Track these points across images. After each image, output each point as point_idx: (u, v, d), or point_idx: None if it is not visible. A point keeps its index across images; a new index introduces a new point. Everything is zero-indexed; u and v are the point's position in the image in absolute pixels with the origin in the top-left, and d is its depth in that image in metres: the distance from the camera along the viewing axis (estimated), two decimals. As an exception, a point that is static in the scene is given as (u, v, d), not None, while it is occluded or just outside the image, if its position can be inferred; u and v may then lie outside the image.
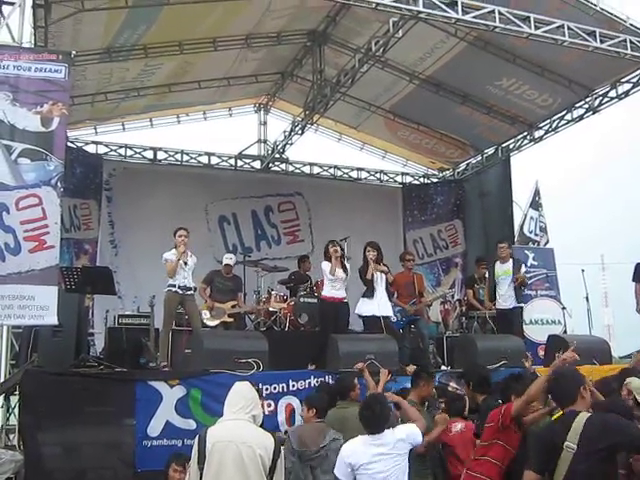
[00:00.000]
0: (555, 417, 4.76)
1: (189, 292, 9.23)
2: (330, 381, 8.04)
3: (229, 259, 11.21)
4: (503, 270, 10.87)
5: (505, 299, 10.75)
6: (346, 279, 9.91)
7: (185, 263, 9.16)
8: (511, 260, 10.96)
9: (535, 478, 4.20)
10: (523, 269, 10.85)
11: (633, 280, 10.99)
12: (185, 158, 15.80)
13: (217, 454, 4.12)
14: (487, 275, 11.40)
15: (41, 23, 8.65)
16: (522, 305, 10.88)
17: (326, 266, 9.84)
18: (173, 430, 7.39)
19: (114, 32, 10.78)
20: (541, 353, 10.55)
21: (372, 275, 9.70)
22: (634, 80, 11.94)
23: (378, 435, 5.28)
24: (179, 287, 9.10)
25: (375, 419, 5.34)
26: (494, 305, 10.98)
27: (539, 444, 4.38)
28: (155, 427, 7.37)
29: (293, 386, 7.93)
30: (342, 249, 10.13)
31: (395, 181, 17.61)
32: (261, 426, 4.46)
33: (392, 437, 5.33)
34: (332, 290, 9.79)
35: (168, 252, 9.23)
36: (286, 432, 6.58)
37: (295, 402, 7.85)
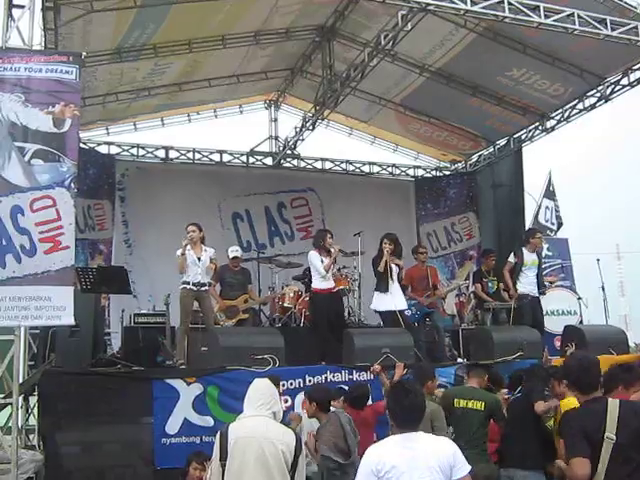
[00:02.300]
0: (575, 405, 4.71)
1: (204, 288, 9.15)
2: (346, 377, 8.05)
3: (235, 251, 11.18)
4: (532, 259, 10.80)
5: (527, 285, 10.69)
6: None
7: (199, 259, 9.07)
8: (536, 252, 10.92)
9: (587, 462, 3.95)
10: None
11: (649, 269, 10.95)
12: (197, 156, 15.83)
13: (239, 450, 4.16)
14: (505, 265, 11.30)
15: (51, 25, 8.66)
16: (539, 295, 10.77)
17: (316, 258, 9.71)
18: (191, 427, 7.45)
19: (123, 32, 10.81)
20: (557, 344, 10.52)
21: (386, 267, 9.66)
22: (646, 67, 11.84)
23: (409, 435, 4.07)
24: (193, 284, 9.02)
25: (406, 412, 4.16)
26: (515, 291, 10.84)
27: (579, 432, 4.11)
28: (173, 425, 7.43)
29: (310, 381, 7.96)
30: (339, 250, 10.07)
31: (407, 174, 17.56)
32: (281, 422, 4.49)
33: (432, 447, 4.07)
34: (323, 281, 9.73)
35: (179, 249, 9.19)
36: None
37: (312, 397, 7.86)
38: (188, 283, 9.04)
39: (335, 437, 6.16)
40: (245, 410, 4.41)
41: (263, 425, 4.26)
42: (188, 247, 9.05)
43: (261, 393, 4.40)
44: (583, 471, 3.95)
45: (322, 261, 9.68)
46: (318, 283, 9.77)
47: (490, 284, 11.69)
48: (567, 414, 4.46)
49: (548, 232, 14.20)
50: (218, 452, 4.24)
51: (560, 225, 14.87)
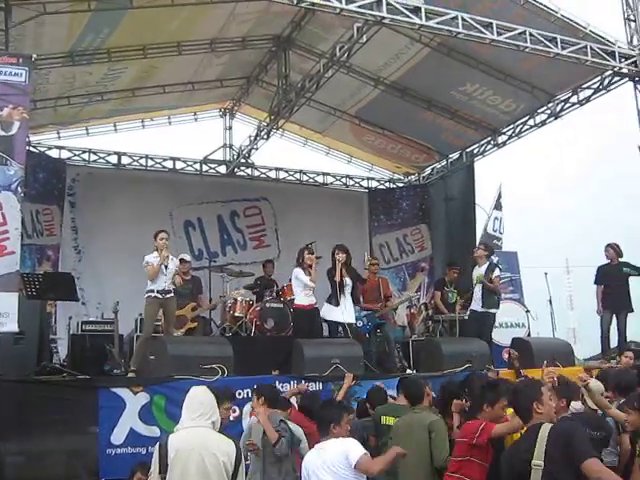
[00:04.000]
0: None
1: (169, 295, 9.01)
2: (294, 386, 8.01)
3: (184, 255, 11.07)
4: (477, 274, 10.76)
5: (477, 301, 10.70)
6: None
7: (165, 267, 8.93)
8: (486, 264, 10.90)
9: None
10: (496, 272, 10.79)
11: (595, 283, 11.21)
12: (150, 163, 15.68)
13: (180, 462, 4.08)
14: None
15: (1, 26, 8.52)
16: (492, 310, 10.63)
17: (300, 274, 9.78)
18: (137, 438, 7.32)
19: (77, 36, 10.68)
20: (506, 356, 10.64)
21: (340, 278, 9.70)
22: (595, 86, 12.12)
23: (323, 442, 5.11)
24: (158, 291, 8.85)
25: (320, 421, 5.27)
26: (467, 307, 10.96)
27: (508, 465, 4.25)
28: (119, 435, 7.29)
29: (258, 392, 7.89)
30: (316, 256, 10.11)
31: (361, 186, 17.67)
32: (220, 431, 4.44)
33: (334, 448, 5.01)
34: (305, 297, 9.78)
35: (149, 255, 8.98)
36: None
37: (260, 408, 7.81)
38: (153, 291, 8.87)
39: None
40: (183, 420, 4.34)
41: (203, 436, 4.19)
42: (155, 254, 8.94)
43: (199, 403, 4.32)
44: None
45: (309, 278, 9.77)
46: (301, 299, 9.82)
47: (450, 295, 11.83)
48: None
49: (495, 241, 14.45)
50: (157, 465, 4.16)
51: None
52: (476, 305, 10.62)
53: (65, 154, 14.93)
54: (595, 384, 6.10)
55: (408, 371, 10.02)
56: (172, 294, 9.10)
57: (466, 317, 11.04)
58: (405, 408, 6.41)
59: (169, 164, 15.89)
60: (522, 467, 4.02)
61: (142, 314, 9.44)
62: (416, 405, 6.30)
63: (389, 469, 5.43)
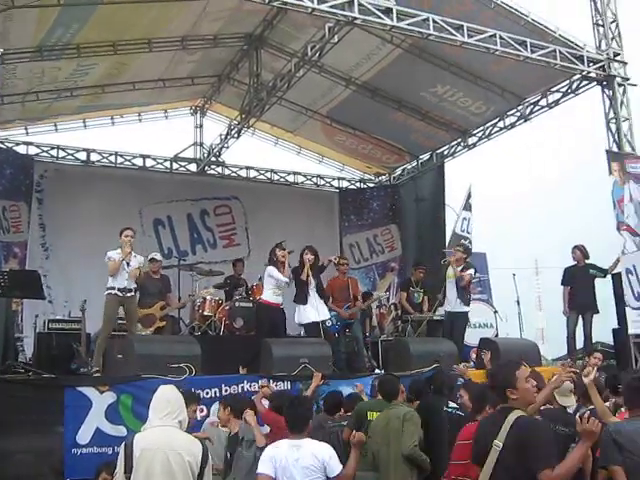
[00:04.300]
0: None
1: (130, 294, 8.97)
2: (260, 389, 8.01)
3: (155, 254, 11.00)
4: (450, 273, 10.86)
5: (449, 302, 10.78)
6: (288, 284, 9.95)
7: (127, 264, 8.89)
8: (463, 265, 10.95)
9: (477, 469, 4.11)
10: (470, 271, 10.87)
11: (562, 284, 11.35)
12: (119, 160, 15.56)
13: (145, 462, 4.04)
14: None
15: (-32, 20, 8.42)
16: (464, 310, 10.77)
17: (274, 271, 9.78)
18: (103, 437, 7.26)
19: (46, 30, 10.54)
20: (474, 356, 10.72)
21: (307, 278, 9.71)
22: (563, 90, 12.28)
23: (296, 439, 5.00)
24: (119, 289, 8.82)
25: (296, 419, 5.13)
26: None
27: (474, 442, 4.34)
28: (85, 434, 7.22)
29: (226, 391, 7.85)
30: (288, 251, 10.12)
31: (332, 185, 17.70)
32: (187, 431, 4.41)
33: (311, 449, 4.97)
34: (274, 295, 9.79)
35: (113, 251, 8.93)
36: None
37: (228, 407, 7.80)
38: (114, 288, 8.83)
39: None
40: (150, 420, 4.30)
41: (169, 435, 4.15)
42: (118, 250, 8.87)
43: (166, 401, 4.27)
44: None
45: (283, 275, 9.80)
46: (269, 296, 9.81)
47: (416, 295, 11.90)
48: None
49: (462, 240, 14.61)
50: (123, 464, 4.12)
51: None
52: (449, 305, 10.72)
53: (33, 150, 14.75)
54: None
55: (377, 371, 10.04)
56: (133, 293, 9.07)
57: (435, 317, 11.14)
58: (386, 404, 6.54)
59: (139, 162, 15.77)
60: (485, 446, 4.08)
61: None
62: (391, 402, 6.43)
63: (371, 463, 5.84)
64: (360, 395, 7.65)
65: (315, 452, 4.89)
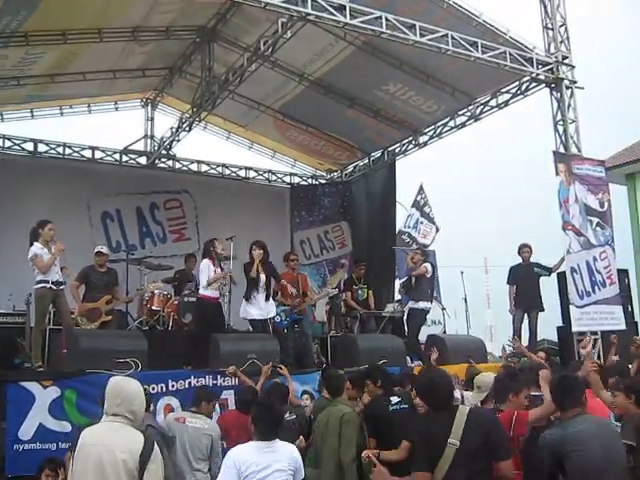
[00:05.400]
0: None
1: (61, 287, 8.88)
2: (210, 382, 7.97)
3: (101, 247, 10.81)
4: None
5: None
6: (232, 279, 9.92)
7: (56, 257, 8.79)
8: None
9: (429, 477, 4.01)
10: (423, 269, 11.09)
11: (507, 283, 11.55)
12: (67, 151, 15.28)
13: (82, 457, 3.92)
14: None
15: None
16: (422, 307, 11.03)
17: (207, 266, 9.73)
18: (46, 433, 7.15)
19: (-8, 17, 10.31)
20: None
21: (256, 274, 9.68)
22: (513, 91, 12.45)
23: (270, 442, 4.80)
24: (52, 282, 8.70)
25: (270, 423, 4.90)
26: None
27: (423, 441, 4.24)
28: (27, 430, 7.10)
29: (172, 386, 7.83)
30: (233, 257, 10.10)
31: (283, 181, 17.69)
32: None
33: (286, 451, 4.89)
34: (210, 289, 9.73)
35: (34, 246, 8.77)
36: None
37: (174, 402, 7.77)
38: (47, 282, 8.68)
39: None
40: (106, 411, 4.12)
41: (109, 430, 3.99)
42: (41, 245, 8.75)
43: (116, 394, 4.13)
44: None
45: (215, 272, 9.75)
46: (206, 290, 9.72)
47: (360, 292, 12.01)
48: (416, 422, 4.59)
49: (403, 236, 14.83)
50: (72, 460, 4.03)
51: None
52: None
53: (-22, 140, 14.41)
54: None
55: (325, 366, 10.07)
56: (63, 286, 8.99)
57: (384, 314, 11.28)
58: (329, 402, 6.51)
59: (88, 153, 15.52)
60: (438, 444, 4.04)
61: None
62: (336, 398, 6.40)
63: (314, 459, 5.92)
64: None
65: (289, 453, 4.88)
